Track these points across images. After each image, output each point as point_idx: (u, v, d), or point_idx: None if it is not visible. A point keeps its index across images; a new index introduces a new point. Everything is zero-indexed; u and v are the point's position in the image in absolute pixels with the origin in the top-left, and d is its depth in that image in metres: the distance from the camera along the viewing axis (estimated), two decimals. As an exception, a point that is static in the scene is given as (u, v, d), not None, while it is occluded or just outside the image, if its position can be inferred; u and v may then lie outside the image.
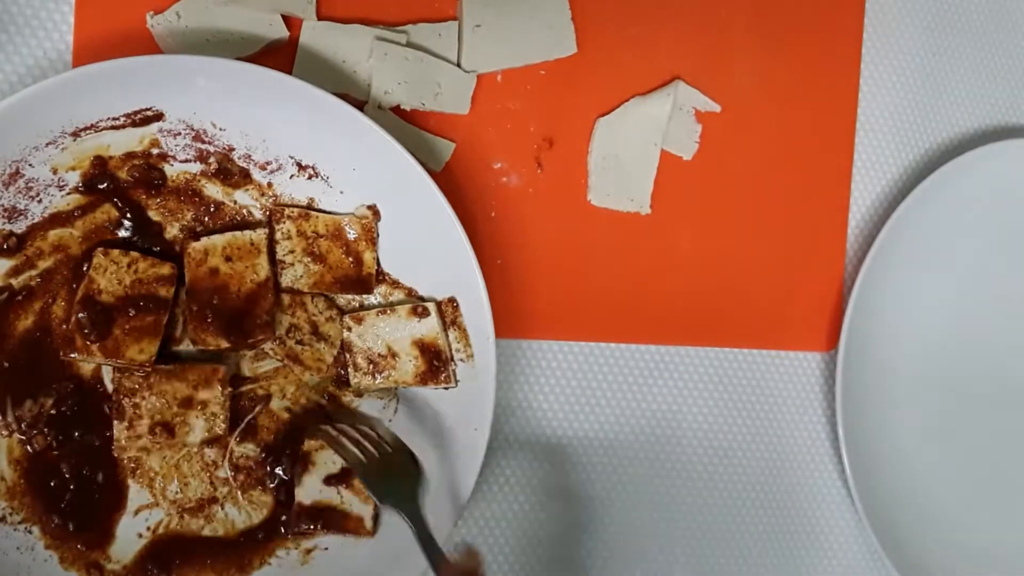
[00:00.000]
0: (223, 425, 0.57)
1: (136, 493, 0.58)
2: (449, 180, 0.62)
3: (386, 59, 0.60)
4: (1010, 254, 0.77)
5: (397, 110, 0.62)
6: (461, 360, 0.60)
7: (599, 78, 0.66)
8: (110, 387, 0.57)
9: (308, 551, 0.60)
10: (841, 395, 0.68)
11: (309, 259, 0.58)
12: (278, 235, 0.58)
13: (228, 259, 0.57)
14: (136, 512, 0.58)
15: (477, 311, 0.59)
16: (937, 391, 0.75)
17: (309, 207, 0.59)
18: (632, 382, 0.68)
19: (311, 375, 0.60)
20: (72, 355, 0.54)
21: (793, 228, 0.71)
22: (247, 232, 0.57)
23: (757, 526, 0.70)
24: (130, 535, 0.58)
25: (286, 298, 0.59)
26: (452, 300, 0.60)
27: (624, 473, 0.67)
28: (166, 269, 0.56)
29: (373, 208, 0.59)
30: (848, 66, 0.72)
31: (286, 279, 0.58)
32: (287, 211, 0.58)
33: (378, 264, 0.60)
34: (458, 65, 0.62)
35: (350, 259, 0.59)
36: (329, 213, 0.59)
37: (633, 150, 0.66)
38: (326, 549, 0.60)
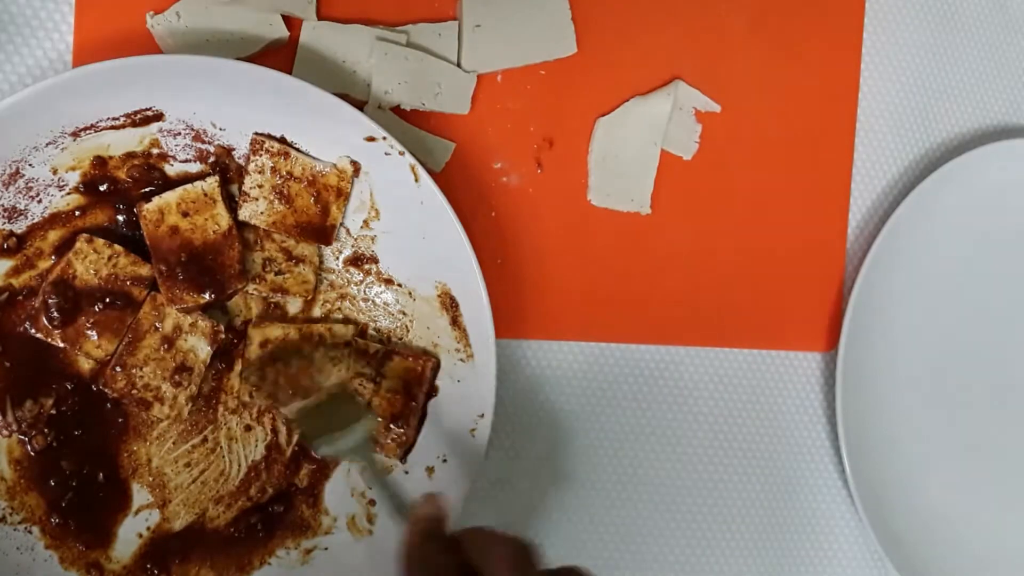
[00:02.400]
0: (210, 322, 0.57)
1: (136, 493, 0.58)
2: (449, 180, 0.62)
3: (386, 59, 0.60)
4: (1010, 254, 0.77)
5: (397, 110, 0.62)
6: (461, 360, 0.60)
7: (599, 78, 0.66)
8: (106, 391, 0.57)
9: (308, 551, 0.60)
10: (841, 395, 0.68)
11: (275, 197, 0.57)
12: (251, 167, 0.57)
13: (185, 214, 0.56)
14: (136, 512, 0.58)
15: (477, 311, 0.59)
16: (937, 391, 0.75)
17: (291, 146, 0.58)
18: (632, 382, 0.68)
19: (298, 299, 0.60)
20: (34, 332, 0.55)
21: (793, 228, 0.71)
22: (197, 184, 0.56)
23: (757, 526, 0.70)
24: (130, 535, 0.58)
25: (250, 235, 0.58)
26: (452, 299, 0.60)
27: (624, 473, 0.67)
28: (145, 270, 0.56)
29: (355, 164, 0.59)
30: (848, 66, 0.72)
31: (244, 213, 0.57)
32: (267, 144, 0.57)
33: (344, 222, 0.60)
34: (458, 65, 0.62)
35: (317, 207, 0.58)
36: (310, 157, 0.58)
37: (633, 150, 0.66)
38: (326, 549, 0.60)
